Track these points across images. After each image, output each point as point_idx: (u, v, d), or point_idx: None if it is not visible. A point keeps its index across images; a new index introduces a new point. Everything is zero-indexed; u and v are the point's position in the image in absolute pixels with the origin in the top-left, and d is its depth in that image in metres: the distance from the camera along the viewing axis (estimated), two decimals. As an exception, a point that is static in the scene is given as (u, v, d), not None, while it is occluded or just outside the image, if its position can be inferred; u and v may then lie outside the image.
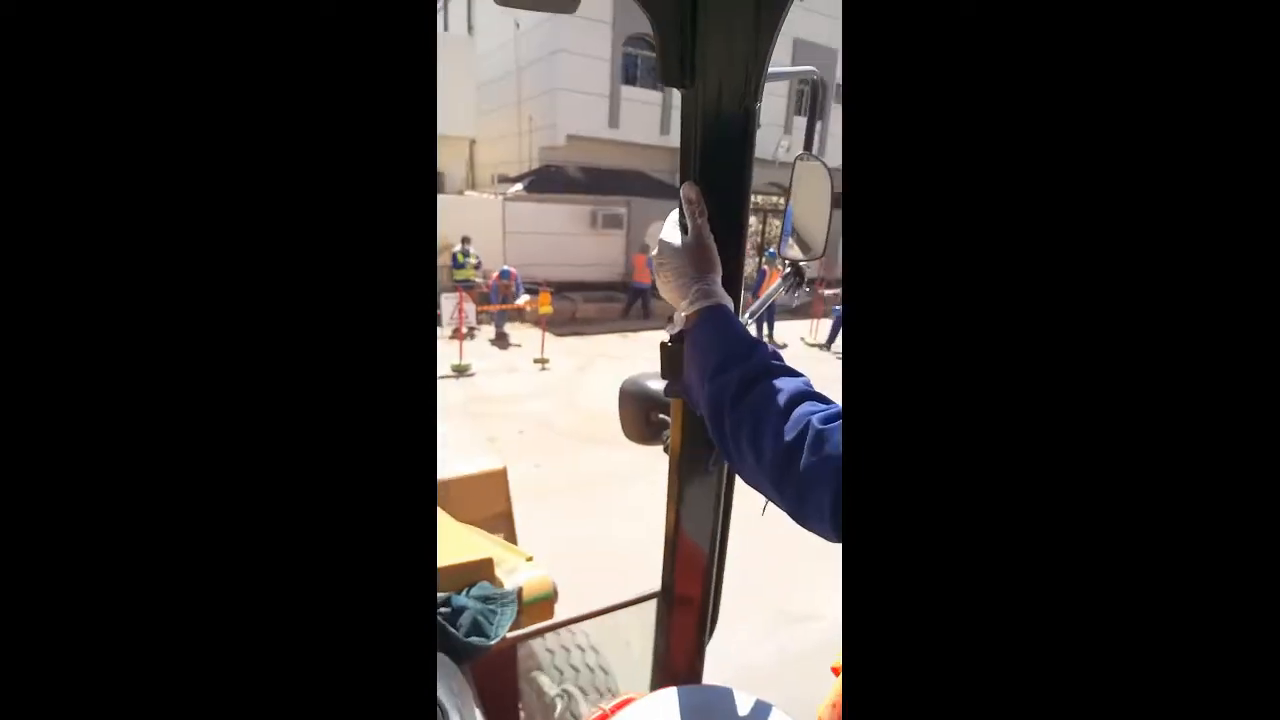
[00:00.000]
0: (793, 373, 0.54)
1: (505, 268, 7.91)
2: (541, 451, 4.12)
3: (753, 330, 0.62)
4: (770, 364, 0.54)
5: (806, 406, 0.50)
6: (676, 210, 0.61)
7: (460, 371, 6.24)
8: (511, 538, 1.64)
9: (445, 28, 14.90)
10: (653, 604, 0.80)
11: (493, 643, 0.63)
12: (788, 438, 0.48)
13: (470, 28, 13.53)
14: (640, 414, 0.78)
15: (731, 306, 0.61)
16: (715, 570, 0.84)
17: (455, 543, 0.82)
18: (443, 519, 0.97)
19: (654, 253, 0.63)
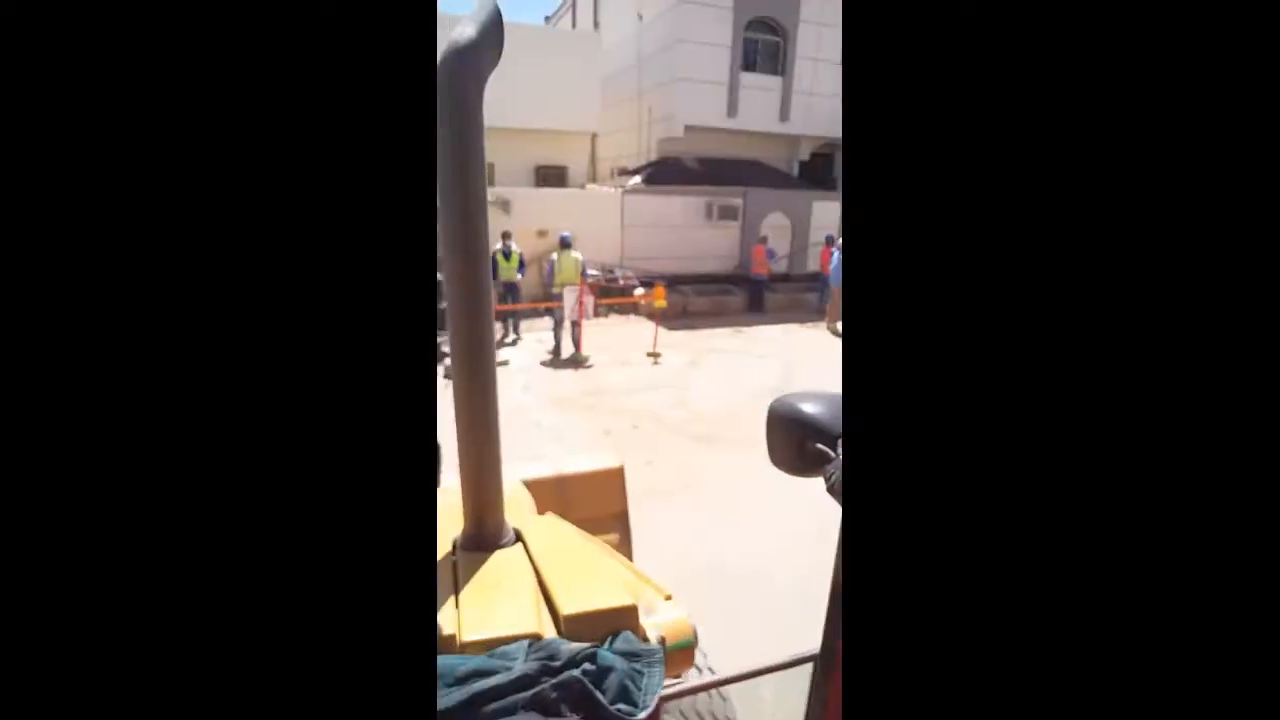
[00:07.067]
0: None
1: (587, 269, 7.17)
2: (653, 449, 4.09)
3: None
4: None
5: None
6: None
7: (579, 363, 6.44)
8: (626, 538, 1.61)
9: (574, 25, 15.33)
10: (807, 669, 0.69)
11: (641, 716, 0.52)
12: None
13: (596, 23, 13.80)
14: (791, 440, 0.68)
15: None
16: None
17: (592, 577, 0.73)
18: (574, 533, 0.89)
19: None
